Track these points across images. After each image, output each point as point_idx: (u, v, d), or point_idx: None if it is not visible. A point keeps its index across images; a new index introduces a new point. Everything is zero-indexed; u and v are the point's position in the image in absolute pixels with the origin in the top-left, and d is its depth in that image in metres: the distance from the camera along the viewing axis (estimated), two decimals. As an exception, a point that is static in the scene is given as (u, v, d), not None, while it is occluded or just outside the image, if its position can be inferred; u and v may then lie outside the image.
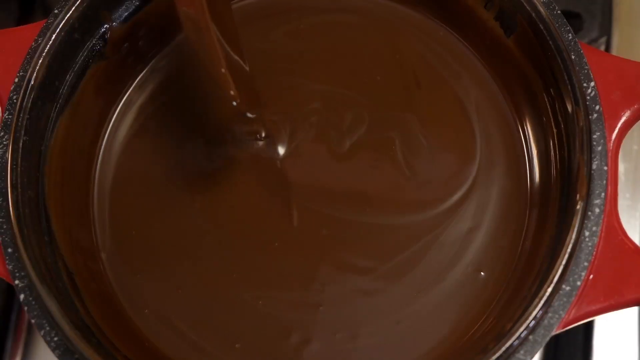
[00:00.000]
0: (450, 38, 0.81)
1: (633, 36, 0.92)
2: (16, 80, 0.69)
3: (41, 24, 0.71)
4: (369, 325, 0.71)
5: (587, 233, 0.63)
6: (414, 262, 0.73)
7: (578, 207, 0.64)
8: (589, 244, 0.63)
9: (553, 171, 0.71)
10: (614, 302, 0.63)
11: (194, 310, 0.73)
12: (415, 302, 0.72)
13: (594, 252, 0.63)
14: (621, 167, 0.85)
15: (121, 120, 0.80)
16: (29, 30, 0.72)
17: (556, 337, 0.63)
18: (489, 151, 0.76)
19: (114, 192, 0.78)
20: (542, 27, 0.69)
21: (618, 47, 0.91)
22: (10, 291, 0.87)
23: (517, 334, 0.61)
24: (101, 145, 0.79)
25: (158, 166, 0.78)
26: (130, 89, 0.81)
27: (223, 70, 0.66)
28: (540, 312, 0.62)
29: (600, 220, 0.63)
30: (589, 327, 0.83)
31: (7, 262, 0.65)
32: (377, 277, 0.72)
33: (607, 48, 0.91)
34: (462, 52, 0.80)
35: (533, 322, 0.61)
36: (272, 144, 0.76)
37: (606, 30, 0.90)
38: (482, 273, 0.72)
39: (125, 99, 0.80)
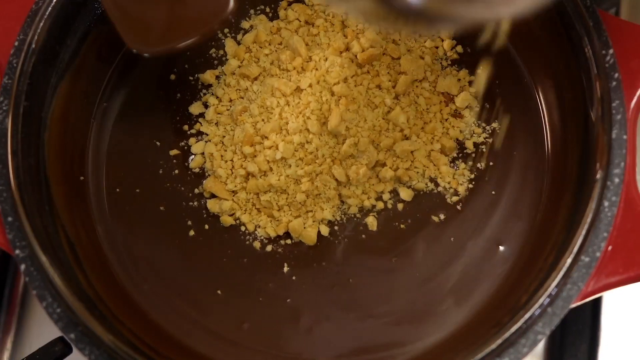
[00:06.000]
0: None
1: (642, 6, 0.91)
2: (16, 44, 0.68)
3: (42, -14, 0.69)
4: (385, 304, 0.70)
5: (606, 203, 0.62)
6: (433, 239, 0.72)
7: (598, 176, 0.63)
8: (608, 214, 0.62)
9: (572, 140, 0.70)
10: (633, 274, 0.62)
11: (196, 288, 0.72)
12: (432, 279, 0.71)
13: (613, 223, 0.62)
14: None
15: (119, 88, 0.78)
16: (28, -6, 0.70)
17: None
18: (508, 120, 0.75)
19: (110, 161, 0.76)
20: (560, -7, 0.68)
21: (627, 18, 0.89)
22: (3, 264, 0.85)
23: (535, 306, 0.61)
24: (98, 112, 0.77)
25: (153, 134, 0.76)
26: (129, 54, 0.78)
27: None
28: (559, 283, 0.61)
29: (620, 191, 0.62)
30: (597, 302, 0.82)
31: (7, 231, 0.63)
32: (394, 255, 0.72)
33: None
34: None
35: (552, 294, 0.61)
36: None
37: (615, 0, 0.89)
38: (501, 247, 0.71)
39: (124, 65, 0.78)
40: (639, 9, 0.91)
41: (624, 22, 0.69)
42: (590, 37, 0.66)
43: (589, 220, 0.61)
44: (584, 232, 0.61)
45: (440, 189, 0.73)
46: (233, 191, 0.73)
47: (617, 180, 0.62)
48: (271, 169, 0.71)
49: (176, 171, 0.75)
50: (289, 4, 0.79)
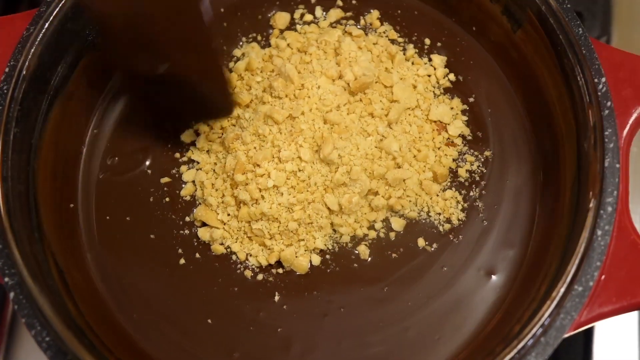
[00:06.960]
0: (457, 30, 0.79)
1: (632, 35, 0.91)
2: (7, 70, 0.67)
3: (33, 12, 0.69)
4: (377, 333, 0.69)
5: (599, 232, 0.62)
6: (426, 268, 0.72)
7: (591, 205, 0.62)
8: (602, 243, 0.62)
9: (564, 168, 0.70)
10: (626, 303, 0.61)
11: (187, 317, 0.71)
12: (424, 308, 0.70)
13: (606, 252, 0.61)
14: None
15: (110, 115, 0.78)
16: (20, 20, 0.70)
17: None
18: (501, 148, 0.75)
19: (100, 189, 0.75)
20: (552, 21, 0.68)
21: (617, 46, 0.90)
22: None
23: (529, 336, 0.60)
24: (88, 139, 0.77)
25: (143, 162, 0.76)
26: (120, 81, 0.78)
27: None
28: (553, 313, 0.60)
29: (613, 219, 0.62)
30: (589, 332, 0.82)
31: (-5, 258, 0.63)
32: (386, 284, 0.71)
33: (608, 47, 0.90)
34: (471, 46, 0.79)
35: (545, 324, 0.60)
36: None
37: (606, 29, 0.90)
38: (493, 277, 0.70)
39: (114, 92, 0.78)
40: (631, 36, 0.91)
41: (616, 50, 0.70)
42: (582, 66, 0.66)
43: (582, 249, 0.61)
44: (577, 261, 0.61)
45: (432, 217, 0.73)
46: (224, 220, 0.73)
47: (610, 209, 0.62)
48: (263, 197, 0.70)
49: (167, 199, 0.74)
50: (281, 32, 0.79)
